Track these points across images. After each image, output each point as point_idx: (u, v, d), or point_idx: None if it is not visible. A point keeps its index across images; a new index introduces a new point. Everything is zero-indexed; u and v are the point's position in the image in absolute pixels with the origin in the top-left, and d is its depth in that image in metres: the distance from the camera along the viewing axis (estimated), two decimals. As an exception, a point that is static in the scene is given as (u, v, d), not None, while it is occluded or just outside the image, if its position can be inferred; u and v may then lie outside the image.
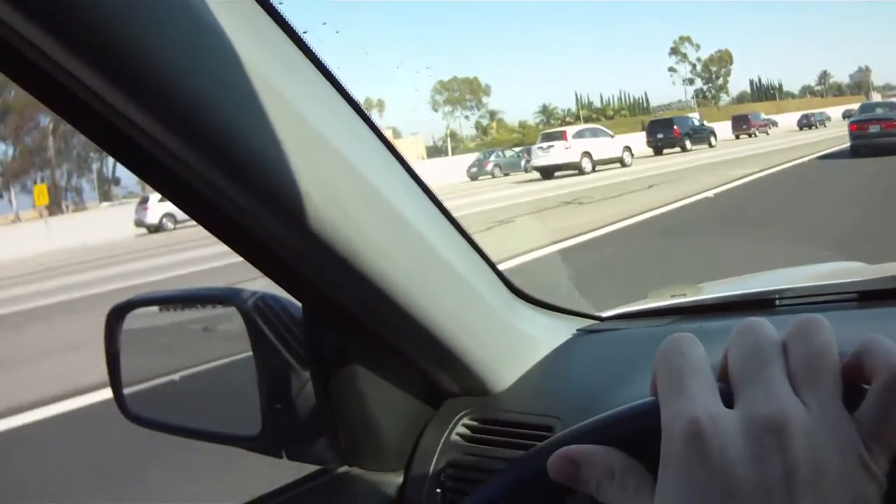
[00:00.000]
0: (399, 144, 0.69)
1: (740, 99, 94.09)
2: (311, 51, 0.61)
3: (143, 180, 0.62)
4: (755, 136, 36.52)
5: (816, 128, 43.86)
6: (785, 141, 27.83)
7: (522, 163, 28.68)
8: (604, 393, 0.76)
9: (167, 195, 0.63)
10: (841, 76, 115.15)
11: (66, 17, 0.44)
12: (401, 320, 0.70)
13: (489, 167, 29.03)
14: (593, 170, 21.25)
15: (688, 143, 27.27)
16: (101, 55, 0.47)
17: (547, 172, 21.51)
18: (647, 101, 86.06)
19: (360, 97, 0.67)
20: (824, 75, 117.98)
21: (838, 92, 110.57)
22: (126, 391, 0.87)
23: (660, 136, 27.38)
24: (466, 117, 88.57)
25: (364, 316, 0.72)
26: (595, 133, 23.50)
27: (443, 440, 0.80)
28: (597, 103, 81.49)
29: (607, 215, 9.87)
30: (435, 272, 0.72)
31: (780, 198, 10.74)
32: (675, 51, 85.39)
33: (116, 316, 0.87)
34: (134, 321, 0.89)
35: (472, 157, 33.80)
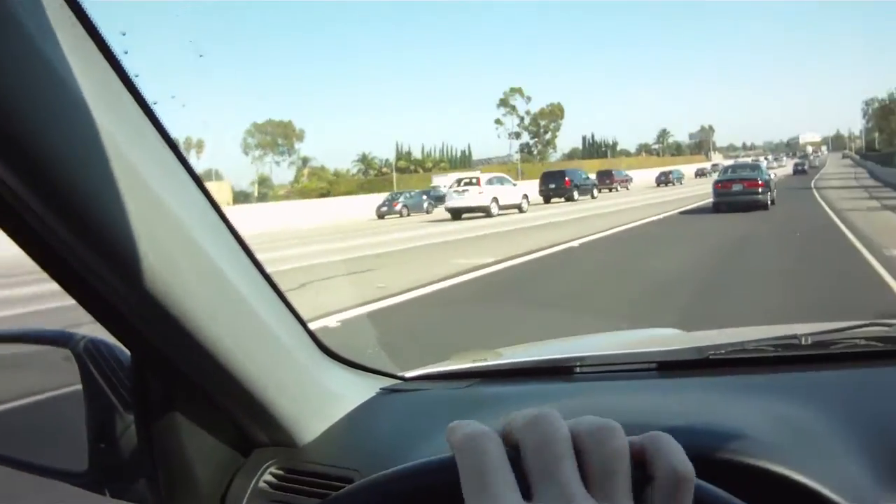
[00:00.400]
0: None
1: (571, 155, 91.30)
2: (158, 121, 0.66)
3: None
4: (617, 189, 41.47)
5: (673, 185, 48.69)
6: (648, 196, 32.49)
7: (425, 205, 32.65)
8: (404, 449, 0.82)
9: (16, 239, 0.66)
10: (681, 135, 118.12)
11: None
12: (216, 372, 0.76)
13: (398, 207, 31.73)
14: (497, 214, 23.33)
15: (575, 194, 31.03)
16: None
17: (457, 213, 23.74)
18: (470, 153, 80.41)
19: (179, 138, 0.74)
20: (663, 134, 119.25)
21: (677, 151, 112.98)
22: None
23: (552, 185, 31.01)
24: (277, 163, 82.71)
25: (185, 367, 0.78)
26: (502, 181, 25.47)
27: (250, 488, 0.85)
28: (417, 154, 73.70)
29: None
30: (249, 330, 0.78)
31: (647, 248, 12.05)
32: (504, 102, 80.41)
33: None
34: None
35: (281, 204, 40.71)
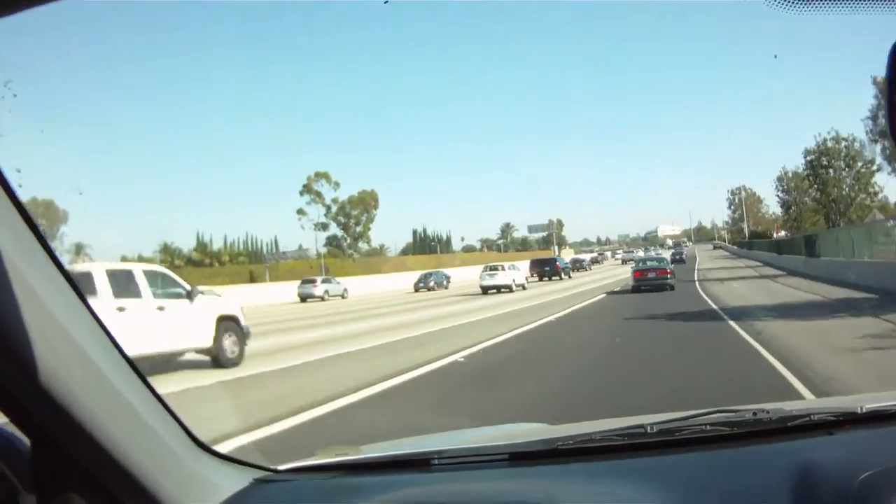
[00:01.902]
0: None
1: (405, 251, 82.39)
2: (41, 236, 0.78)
3: None
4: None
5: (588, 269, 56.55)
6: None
7: (445, 282, 43.67)
8: None
9: None
10: (523, 229, 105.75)
11: None
12: (102, 458, 0.85)
13: (431, 283, 42.17)
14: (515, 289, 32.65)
15: (562, 274, 43.62)
16: None
17: (486, 290, 32.48)
18: (276, 246, 64.27)
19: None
20: (507, 228, 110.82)
21: (522, 247, 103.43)
22: None
23: (546, 268, 43.96)
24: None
25: (76, 454, 0.87)
26: (514, 267, 35.80)
27: None
28: (218, 245, 60.48)
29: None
30: (131, 423, 0.87)
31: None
32: (308, 189, 64.77)
33: None
34: None
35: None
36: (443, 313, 20.38)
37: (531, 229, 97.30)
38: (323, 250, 63.65)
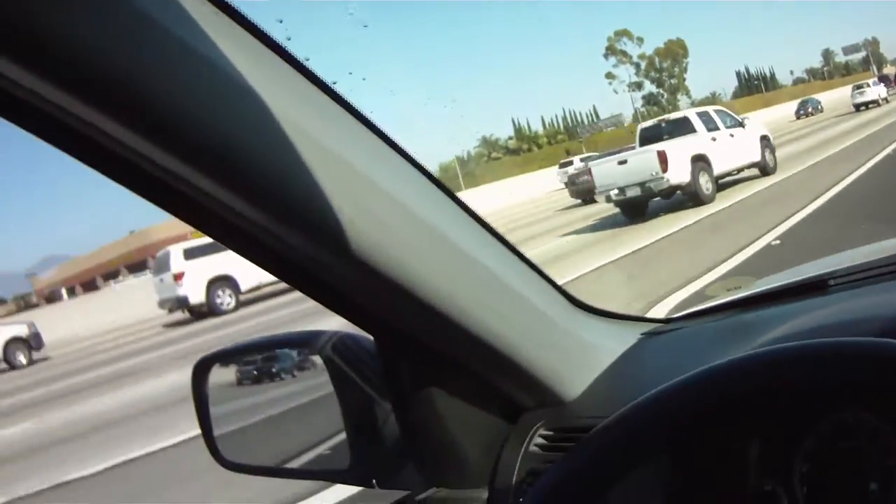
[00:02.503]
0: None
1: (735, 95, 77.85)
2: (341, 97, 0.64)
3: (208, 234, 0.66)
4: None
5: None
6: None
7: (819, 106, 43.95)
8: None
9: (239, 251, 0.67)
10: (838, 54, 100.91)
11: (100, 81, 0.48)
12: (467, 341, 0.74)
13: (809, 109, 43.31)
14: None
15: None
16: (148, 121, 0.51)
17: (858, 107, 34.22)
18: (596, 116, 64.08)
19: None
20: (827, 54, 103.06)
21: (846, 71, 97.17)
22: (218, 439, 0.91)
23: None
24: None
25: (432, 341, 0.76)
26: (877, 83, 37.58)
27: (522, 452, 0.83)
28: (536, 127, 60.78)
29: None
30: (492, 291, 0.75)
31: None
32: (611, 50, 62.31)
33: (203, 368, 0.93)
34: (220, 372, 0.94)
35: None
36: (850, 126, 22.80)
37: (846, 51, 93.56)
38: (643, 111, 60.93)
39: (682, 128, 13.59)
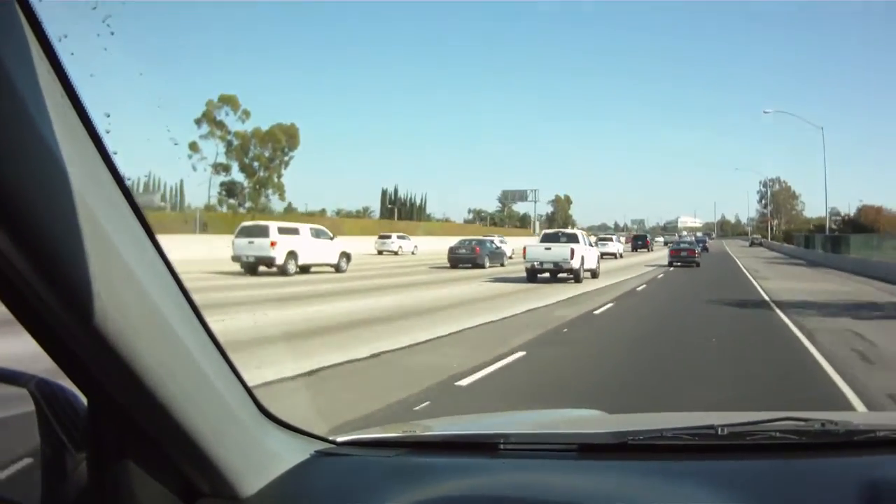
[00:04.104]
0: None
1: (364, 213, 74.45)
2: (118, 173, 0.72)
3: None
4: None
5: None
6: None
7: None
8: None
9: None
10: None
11: None
12: (166, 424, 0.82)
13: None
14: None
15: (653, 246, 61.29)
16: None
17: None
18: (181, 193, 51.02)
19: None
20: (506, 197, 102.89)
21: (521, 223, 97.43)
22: None
23: (639, 242, 60.15)
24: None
25: (137, 416, 0.84)
26: (619, 239, 49.44)
27: None
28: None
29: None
30: (198, 386, 0.84)
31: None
32: (206, 117, 47.95)
33: None
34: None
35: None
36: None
37: (507, 196, 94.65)
38: (214, 201, 49.46)
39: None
